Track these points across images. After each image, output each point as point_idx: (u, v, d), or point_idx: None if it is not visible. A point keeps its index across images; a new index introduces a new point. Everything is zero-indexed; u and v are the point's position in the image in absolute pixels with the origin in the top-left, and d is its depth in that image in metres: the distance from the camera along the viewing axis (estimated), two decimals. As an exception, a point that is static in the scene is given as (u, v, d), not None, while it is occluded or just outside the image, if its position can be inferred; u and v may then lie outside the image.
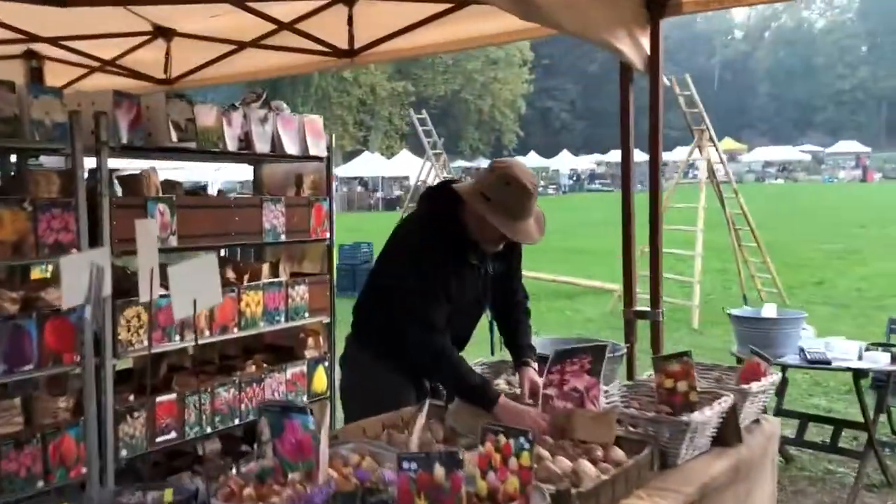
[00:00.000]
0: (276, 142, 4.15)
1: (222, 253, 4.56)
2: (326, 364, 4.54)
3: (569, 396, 2.73)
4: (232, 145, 3.89)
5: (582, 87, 77.20)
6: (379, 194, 41.62)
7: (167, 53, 5.24)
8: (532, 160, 57.06)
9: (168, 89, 5.44)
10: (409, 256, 2.97)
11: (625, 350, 3.61)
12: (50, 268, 4.20)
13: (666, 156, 56.87)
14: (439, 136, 15.81)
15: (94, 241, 3.33)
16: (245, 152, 3.94)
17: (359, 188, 44.22)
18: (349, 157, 46.93)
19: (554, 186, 51.78)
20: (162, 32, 5.13)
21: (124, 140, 3.40)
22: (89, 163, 3.36)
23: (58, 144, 3.21)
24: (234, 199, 4.02)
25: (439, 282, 2.86)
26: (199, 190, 4.04)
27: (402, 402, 3.01)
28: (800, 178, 58.29)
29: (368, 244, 13.68)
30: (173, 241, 3.65)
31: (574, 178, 55.13)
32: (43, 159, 4.22)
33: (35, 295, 3.28)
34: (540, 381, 2.86)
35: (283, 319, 4.24)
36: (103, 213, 3.33)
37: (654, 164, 3.75)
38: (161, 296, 3.47)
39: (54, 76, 5.77)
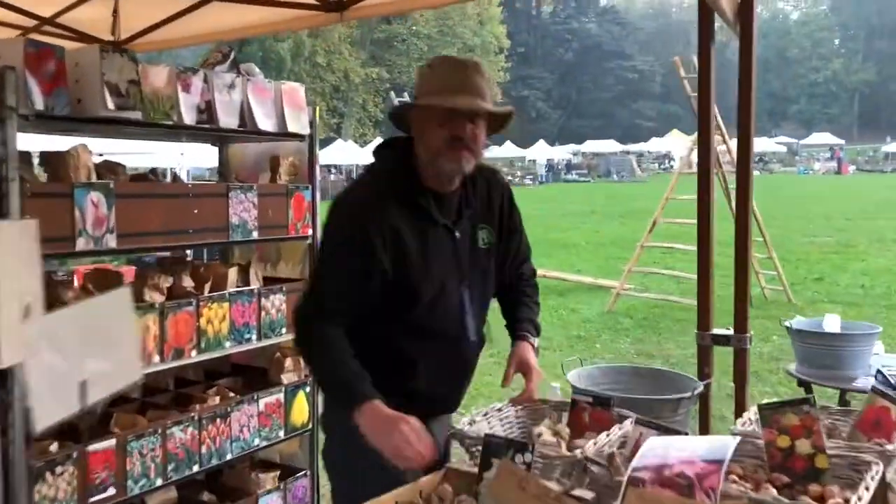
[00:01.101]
0: (245, 114, 3.29)
1: (187, 255, 3.72)
2: (308, 390, 3.70)
3: (671, 483, 1.86)
4: (189, 117, 3.03)
5: (558, 76, 76.56)
6: (353, 182, 40.55)
7: (115, 10, 4.33)
8: (508, 150, 56.41)
9: (116, 54, 4.54)
10: (329, 224, 2.26)
11: (701, 387, 2.80)
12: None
13: (643, 146, 56.89)
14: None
15: (-2, 243, 2.46)
16: (205, 126, 3.08)
17: (332, 176, 43.16)
18: (322, 144, 45.64)
19: (531, 177, 51.05)
20: (108, -16, 4.23)
21: (40, 106, 2.52)
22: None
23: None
24: (193, 186, 3.16)
25: (359, 248, 2.13)
26: (148, 174, 3.15)
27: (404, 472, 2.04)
28: (775, 169, 58.18)
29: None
30: (111, 241, 2.79)
31: (550, 169, 54.41)
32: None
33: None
34: (534, 361, 2.46)
35: (254, 337, 3.39)
36: (10, 206, 2.46)
37: (745, 151, 2.85)
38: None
39: None
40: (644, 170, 52.57)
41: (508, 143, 57.38)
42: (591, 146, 58.52)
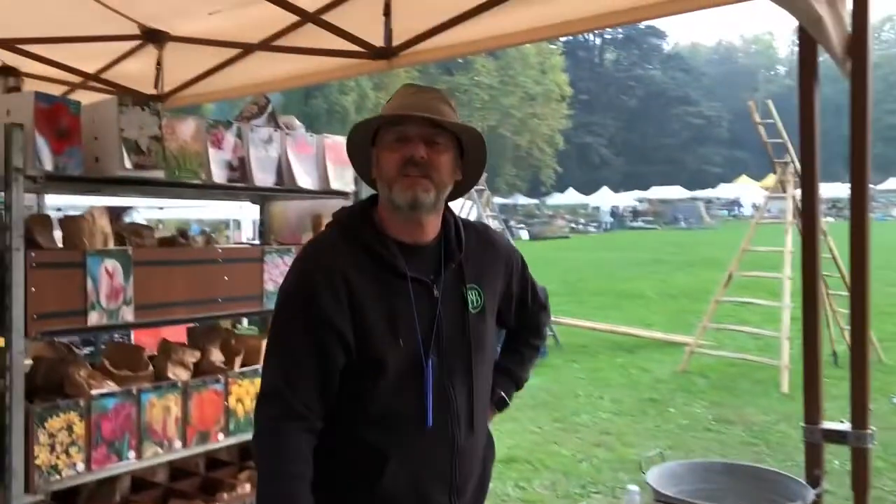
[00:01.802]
0: (284, 171, 3.01)
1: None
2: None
3: None
4: (220, 175, 2.76)
5: (622, 122, 75.94)
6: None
7: (158, 62, 4.17)
8: (571, 197, 55.90)
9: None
10: (280, 297, 1.86)
11: (812, 497, 2.32)
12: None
13: (711, 192, 55.70)
14: (480, 172, 14.63)
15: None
16: (237, 185, 2.80)
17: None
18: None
19: (595, 224, 50.31)
20: (152, 37, 4.06)
21: (49, 166, 2.27)
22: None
23: (-62, 172, 2.09)
24: (224, 250, 2.87)
25: (311, 319, 1.73)
26: (178, 237, 2.86)
27: None
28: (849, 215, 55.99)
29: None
30: (127, 314, 2.50)
31: (614, 216, 53.57)
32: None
33: None
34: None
35: (291, 417, 3.05)
36: (13, 278, 2.19)
37: (860, 195, 2.35)
38: (103, 394, 2.34)
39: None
40: (712, 216, 51.25)
41: (571, 190, 56.89)
42: (656, 192, 57.43)
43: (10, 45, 3.88)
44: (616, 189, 59.37)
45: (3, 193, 2.24)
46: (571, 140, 65.53)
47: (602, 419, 7.37)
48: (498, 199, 54.02)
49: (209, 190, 2.80)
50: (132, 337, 6.41)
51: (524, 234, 41.78)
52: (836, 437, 2.47)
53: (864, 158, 2.37)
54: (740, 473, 2.64)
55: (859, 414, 2.44)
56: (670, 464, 2.69)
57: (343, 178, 3.25)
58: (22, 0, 3.89)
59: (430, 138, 1.77)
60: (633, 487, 2.98)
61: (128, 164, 2.40)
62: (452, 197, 1.91)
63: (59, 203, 9.63)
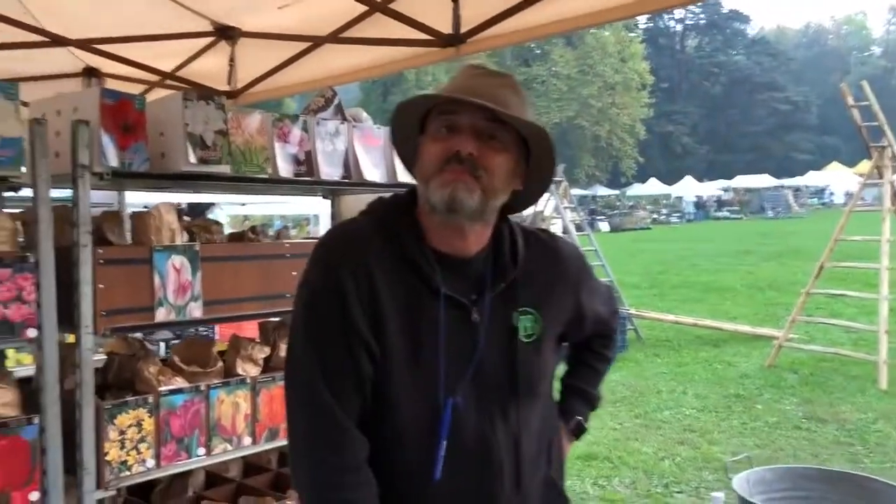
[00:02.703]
0: (351, 164, 2.95)
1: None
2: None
3: None
4: (286, 169, 2.72)
5: (705, 110, 73.86)
6: (492, 224, 40.54)
7: (231, 59, 4.20)
8: (653, 187, 54.69)
9: (233, 104, 4.39)
10: (297, 310, 1.54)
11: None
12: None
13: (799, 180, 53.61)
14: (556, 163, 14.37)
15: (67, 317, 2.21)
16: (303, 179, 2.75)
17: (472, 218, 43.27)
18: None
19: (677, 214, 49.08)
20: (224, 33, 4.09)
21: (114, 162, 2.26)
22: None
23: (6, 171, 2.10)
24: (291, 245, 2.83)
25: (346, 340, 1.44)
26: (247, 232, 2.85)
27: None
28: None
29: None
30: (195, 310, 2.49)
31: (698, 206, 52.13)
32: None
33: (-35, 402, 2.16)
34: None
35: (360, 413, 3.00)
36: (80, 274, 2.20)
37: None
38: (172, 391, 2.33)
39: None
40: (801, 205, 49.29)
41: (653, 180, 55.65)
42: (742, 181, 55.55)
43: (87, 45, 3.95)
44: (700, 178, 57.77)
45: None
46: (653, 129, 64.12)
47: (685, 416, 7.12)
48: (577, 191, 53.37)
49: (275, 184, 2.76)
50: (216, 331, 6.53)
51: (604, 226, 41.12)
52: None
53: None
54: (837, 481, 2.44)
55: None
56: (759, 469, 2.51)
57: (411, 170, 3.18)
58: (101, 1, 3.99)
59: (485, 132, 1.45)
60: (718, 494, 2.81)
61: (192, 159, 2.38)
62: (509, 211, 1.61)
63: (146, 200, 9.93)
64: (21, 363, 3.85)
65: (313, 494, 1.45)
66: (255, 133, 2.63)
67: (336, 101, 2.99)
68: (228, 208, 13.83)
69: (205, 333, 7.58)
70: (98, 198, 5.40)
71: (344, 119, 3.01)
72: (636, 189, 56.60)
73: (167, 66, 4.53)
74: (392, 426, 1.48)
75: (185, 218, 2.86)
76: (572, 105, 57.46)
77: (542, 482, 1.65)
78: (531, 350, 1.57)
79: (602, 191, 56.43)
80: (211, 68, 4.40)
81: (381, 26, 3.40)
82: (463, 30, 3.18)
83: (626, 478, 5.54)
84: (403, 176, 3.13)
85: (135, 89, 4.93)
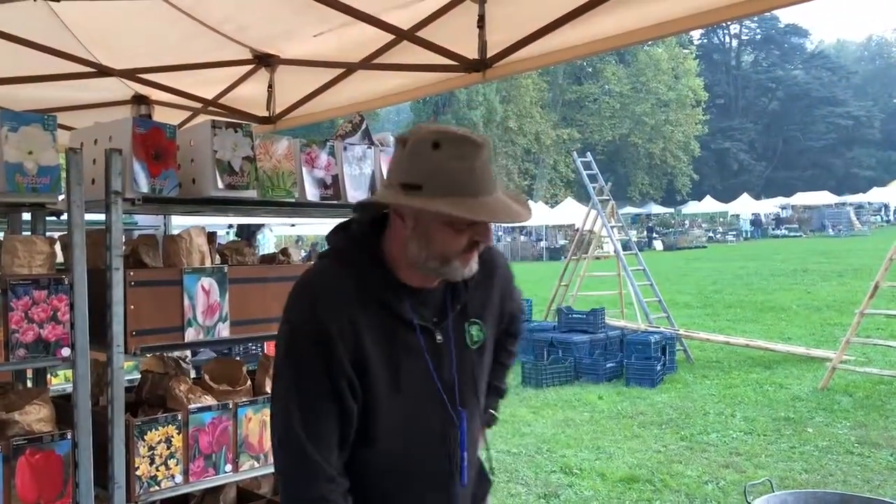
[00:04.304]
0: (378, 188, 3.02)
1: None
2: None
3: None
4: (313, 193, 2.80)
5: (762, 126, 72.52)
6: (543, 244, 40.44)
7: (270, 85, 4.32)
8: (709, 205, 53.83)
9: (271, 129, 4.52)
10: (281, 349, 1.68)
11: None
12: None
13: (862, 197, 52.15)
14: (607, 181, 14.33)
15: (100, 337, 2.31)
16: (330, 203, 2.83)
17: (522, 238, 43.26)
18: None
19: (734, 233, 48.16)
20: (264, 61, 4.22)
21: (145, 188, 2.37)
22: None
23: (44, 197, 2.22)
24: (318, 267, 2.90)
25: (327, 377, 1.58)
26: (278, 254, 2.93)
27: None
28: None
29: (527, 301, 12.40)
30: (224, 330, 2.58)
31: (755, 224, 51.09)
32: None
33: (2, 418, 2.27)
34: None
35: (387, 433, 3.05)
36: (112, 295, 2.30)
37: None
38: (201, 408, 2.41)
39: (163, 121, 5.07)
40: (864, 222, 47.90)
41: (708, 198, 54.80)
42: (801, 199, 54.29)
43: (131, 74, 4.11)
44: (757, 196, 56.73)
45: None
46: (708, 146, 63.25)
47: (732, 439, 6.98)
48: (630, 209, 53.01)
49: (303, 208, 2.84)
50: (265, 348, 6.66)
51: (658, 245, 40.61)
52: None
53: None
54: (860, 506, 2.39)
55: None
56: (779, 493, 2.46)
57: (439, 192, 3.23)
58: (145, 32, 4.16)
59: None
60: None
61: (220, 185, 2.47)
62: None
63: (197, 222, 10.23)
64: (69, 380, 4.00)
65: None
66: (283, 158, 2.72)
67: (363, 127, 3.07)
68: (279, 229, 14.09)
69: (254, 351, 7.76)
70: (147, 221, 5.58)
71: (371, 143, 3.08)
72: (691, 207, 55.79)
73: (210, 94, 4.68)
74: (392, 438, 1.66)
75: (230, 237, 2.96)
76: (625, 122, 57.07)
77: (477, 467, 1.91)
78: (477, 355, 1.78)
79: (656, 209, 55.76)
80: (251, 95, 4.53)
81: (410, 52, 3.47)
82: (489, 55, 3.23)
83: (668, 501, 5.45)
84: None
85: (180, 115, 5.13)
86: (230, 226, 12.55)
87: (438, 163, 1.53)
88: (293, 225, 13.73)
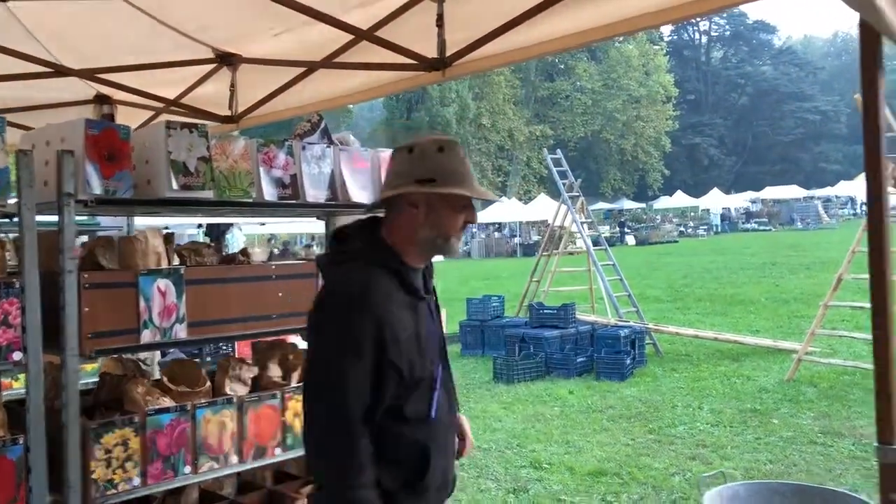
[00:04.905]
0: (337, 187, 3.03)
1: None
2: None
3: None
4: (270, 193, 2.79)
5: (731, 121, 73.29)
6: (517, 240, 40.58)
7: (232, 84, 4.30)
8: (680, 200, 54.32)
9: (233, 128, 4.50)
10: (329, 321, 1.97)
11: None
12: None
13: (829, 191, 52.72)
14: (578, 177, 14.40)
15: (54, 340, 2.29)
16: (288, 202, 2.83)
17: (496, 234, 43.39)
18: (487, 204, 46.11)
19: (704, 227, 48.65)
20: (225, 60, 4.19)
21: (98, 190, 2.35)
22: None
23: (-7, 200, 2.20)
24: (277, 267, 2.90)
25: (371, 340, 1.90)
26: (238, 255, 2.92)
27: None
28: None
29: (499, 297, 12.43)
30: (181, 332, 2.57)
31: (726, 218, 51.65)
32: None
33: (-47, 423, 2.25)
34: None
35: (349, 431, 3.06)
36: (66, 298, 2.28)
37: None
38: (158, 410, 2.40)
39: (126, 121, 5.02)
40: (832, 216, 48.62)
41: (679, 193, 55.30)
42: (770, 193, 54.99)
43: (90, 74, 4.08)
44: (727, 190, 57.38)
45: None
46: (679, 142, 63.80)
47: (699, 431, 7.07)
48: (603, 205, 53.31)
49: (261, 207, 2.83)
50: (235, 349, 6.60)
51: (630, 240, 40.91)
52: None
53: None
54: (809, 495, 2.43)
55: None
56: (733, 485, 2.51)
57: (399, 191, 3.24)
58: (106, 32, 4.12)
59: None
60: None
61: (175, 186, 2.46)
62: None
63: (165, 223, 10.14)
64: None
65: (335, 490, 1.87)
66: (240, 158, 2.71)
67: (322, 126, 3.06)
68: (250, 228, 14.01)
69: (225, 351, 7.70)
70: (110, 222, 5.53)
71: (331, 142, 3.08)
72: (663, 202, 56.28)
73: (172, 93, 4.65)
74: (422, 392, 2.02)
75: (201, 237, 2.95)
76: (597, 119, 57.41)
77: None
78: (439, 321, 2.22)
79: (628, 204, 56.18)
80: (213, 94, 4.50)
81: (371, 52, 3.47)
82: (448, 53, 3.24)
83: (635, 494, 5.51)
84: (391, 197, 3.19)
85: (143, 115, 5.09)
86: (199, 225, 12.46)
87: (444, 162, 2.03)
88: (262, 224, 13.66)
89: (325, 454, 1.89)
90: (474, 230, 39.33)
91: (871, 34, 2.15)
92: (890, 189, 8.07)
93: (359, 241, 2.06)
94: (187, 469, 2.59)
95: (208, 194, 2.57)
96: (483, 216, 39.05)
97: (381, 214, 2.15)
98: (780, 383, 8.78)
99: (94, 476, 2.35)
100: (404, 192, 2.01)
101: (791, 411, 7.60)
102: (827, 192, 54.31)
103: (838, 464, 5.99)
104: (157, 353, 3.95)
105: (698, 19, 74.65)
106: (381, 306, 1.91)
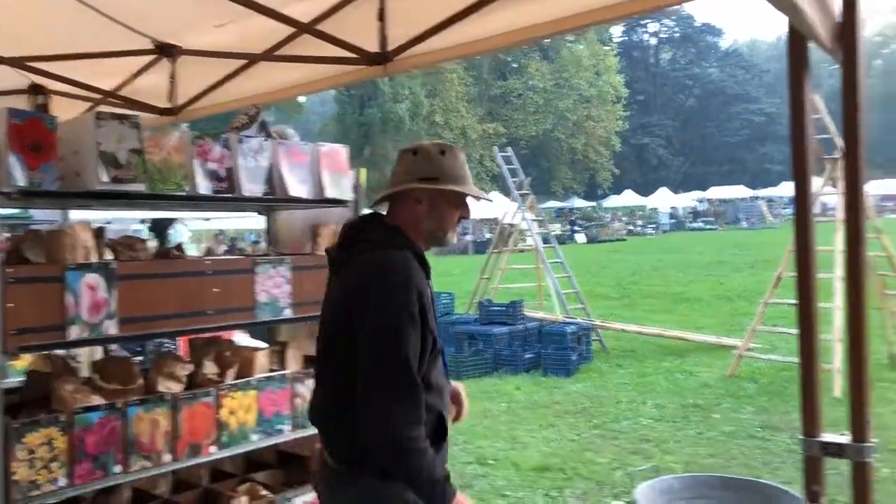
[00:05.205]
0: (275, 181, 2.98)
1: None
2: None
3: None
4: (205, 186, 2.74)
5: (680, 122, 74.52)
6: (469, 237, 40.65)
7: (172, 76, 4.21)
8: (629, 198, 55.06)
9: (174, 120, 4.41)
10: (390, 298, 2.13)
11: (808, 512, 2.18)
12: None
13: (773, 191, 53.87)
14: (529, 175, 14.48)
15: (-26, 335, 2.22)
16: (223, 196, 2.78)
17: (449, 231, 43.36)
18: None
19: (653, 226, 49.40)
20: (165, 51, 4.11)
21: (23, 182, 2.28)
22: None
23: None
24: (213, 262, 2.85)
25: (418, 315, 2.12)
26: (172, 250, 2.86)
27: None
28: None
29: (449, 295, 12.45)
30: (111, 328, 2.50)
31: (674, 217, 52.54)
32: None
33: None
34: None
35: (287, 428, 3.02)
36: (-12, 293, 2.21)
37: (855, 194, 2.17)
38: (87, 408, 2.34)
39: (61, 112, 4.88)
40: (776, 215, 49.78)
41: (628, 192, 56.03)
42: (717, 192, 56.10)
43: (20, 63, 3.96)
44: (675, 190, 58.28)
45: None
46: (628, 141, 64.60)
47: (643, 426, 7.17)
48: (554, 203, 53.72)
49: (196, 201, 2.78)
50: (179, 346, 6.48)
51: (581, 238, 41.32)
52: (836, 450, 2.31)
53: (857, 152, 2.20)
54: (738, 488, 2.49)
55: (859, 425, 2.29)
56: (666, 478, 2.55)
57: (339, 186, 3.22)
58: (40, 19, 4.00)
59: None
60: None
61: (104, 178, 2.40)
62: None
63: (107, 217, 9.89)
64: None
65: (405, 433, 2.03)
66: (174, 151, 2.66)
67: (259, 119, 3.02)
68: (196, 223, 13.77)
69: (169, 348, 7.54)
70: (42, 216, 5.41)
71: (268, 136, 3.04)
72: (612, 201, 56.99)
73: (110, 84, 4.54)
74: (437, 364, 2.25)
75: (142, 234, 2.88)
76: (549, 118, 57.80)
77: None
78: None
79: (579, 202, 56.75)
80: (153, 86, 4.41)
81: (313, 45, 3.43)
82: (390, 48, 3.22)
83: (578, 489, 5.56)
84: (331, 191, 3.18)
85: (80, 107, 4.95)
86: (142, 220, 12.19)
87: (446, 163, 2.27)
88: (207, 219, 13.42)
89: (391, 416, 2.02)
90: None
91: (797, 37, 2.19)
92: (828, 188, 8.30)
93: (377, 231, 2.25)
94: (118, 469, 2.53)
95: (140, 187, 2.52)
96: (435, 213, 38.93)
97: (380, 211, 2.36)
98: (721, 379, 8.96)
99: (14, 477, 2.28)
100: (411, 188, 2.24)
101: (732, 406, 7.76)
102: (771, 192, 55.58)
103: (776, 457, 6.13)
104: (89, 351, 3.85)
105: (647, 20, 75.82)
106: (420, 283, 2.14)
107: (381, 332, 2.07)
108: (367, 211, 2.43)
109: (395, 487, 2.07)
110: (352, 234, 2.29)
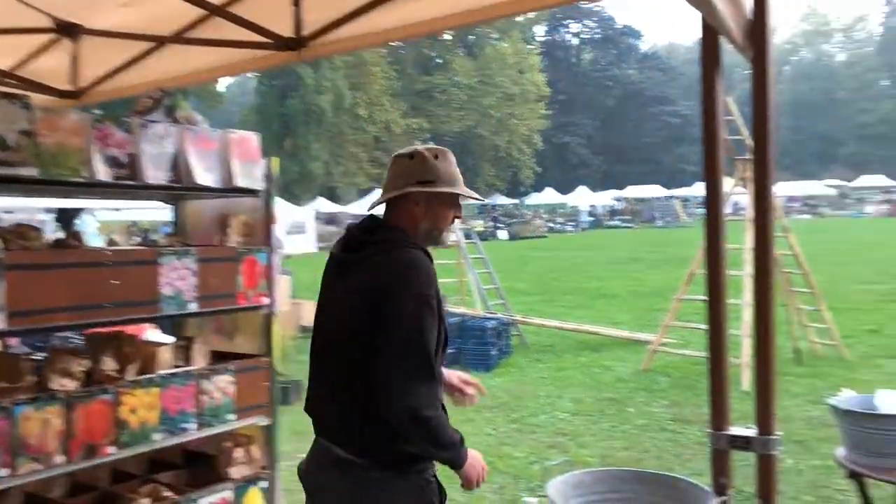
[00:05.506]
0: (181, 168, 2.85)
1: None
2: (265, 485, 3.18)
3: None
4: (105, 172, 2.59)
5: (599, 121, 76.02)
6: (392, 233, 40.48)
7: (74, 57, 4.01)
8: (550, 196, 55.88)
9: (76, 104, 4.20)
10: (418, 290, 2.26)
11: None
12: None
13: (687, 191, 55.63)
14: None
15: None
16: (124, 183, 2.64)
17: (371, 226, 43.08)
18: (364, 194, 45.81)
19: (572, 223, 50.28)
20: (66, 30, 3.90)
21: None
22: None
23: None
24: (114, 252, 2.70)
25: (438, 309, 2.29)
26: (68, 239, 2.70)
27: None
28: (825, 213, 56.45)
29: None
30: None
31: (593, 215, 53.62)
32: None
33: None
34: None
35: (193, 427, 2.90)
36: None
37: (763, 193, 2.20)
38: (-31, 410, 2.16)
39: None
40: (689, 214, 51.37)
41: (549, 190, 56.85)
42: (634, 192, 57.56)
43: None
44: (594, 188, 59.45)
45: None
46: (550, 140, 65.51)
47: (559, 420, 7.25)
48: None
49: (94, 188, 2.63)
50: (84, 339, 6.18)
51: (503, 234, 41.71)
52: (743, 443, 2.35)
53: (765, 150, 2.24)
54: (648, 481, 2.51)
55: (765, 419, 2.33)
56: (578, 472, 2.56)
57: (251, 175, 3.10)
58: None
59: None
60: (531, 500, 2.81)
61: (-9, 161, 2.24)
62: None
63: (8, 206, 9.40)
64: None
65: (426, 409, 2.19)
66: (70, 134, 2.50)
67: (165, 103, 2.88)
68: (102, 214, 13.24)
69: (75, 343, 7.21)
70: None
71: (175, 121, 2.90)
72: (534, 198, 57.75)
73: (6, 64, 4.29)
74: (444, 354, 2.36)
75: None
76: (472, 115, 58.08)
77: None
78: None
79: (501, 199, 57.28)
80: (53, 66, 4.19)
81: (225, 28, 3.31)
82: (305, 33, 3.13)
83: (495, 483, 5.57)
84: (241, 180, 3.06)
85: (-25, 87, 4.67)
86: (47, 210, 11.62)
87: (441, 166, 2.40)
88: (117, 210, 12.92)
89: (415, 394, 2.16)
90: (350, 223, 38.95)
91: (710, 33, 2.21)
92: (739, 189, 8.54)
93: (386, 233, 2.36)
94: (4, 472, 2.36)
95: (31, 171, 2.36)
96: (361, 208, 38.73)
97: (376, 214, 2.47)
98: (636, 373, 9.15)
99: None
100: (410, 191, 2.35)
101: (645, 400, 7.92)
102: (685, 191, 57.29)
103: (687, 449, 6.28)
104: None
105: (569, 20, 77.05)
106: (436, 279, 2.28)
107: (411, 325, 2.18)
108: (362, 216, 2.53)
109: (411, 476, 2.32)
110: (361, 237, 2.40)
